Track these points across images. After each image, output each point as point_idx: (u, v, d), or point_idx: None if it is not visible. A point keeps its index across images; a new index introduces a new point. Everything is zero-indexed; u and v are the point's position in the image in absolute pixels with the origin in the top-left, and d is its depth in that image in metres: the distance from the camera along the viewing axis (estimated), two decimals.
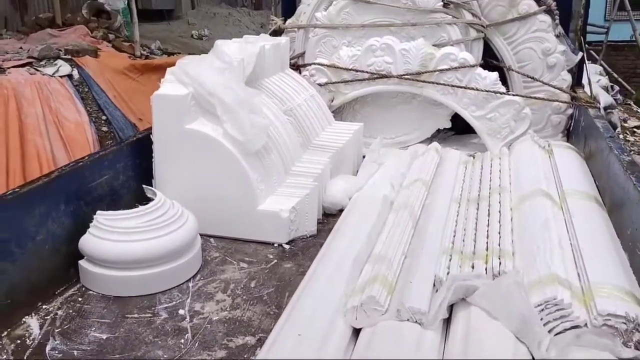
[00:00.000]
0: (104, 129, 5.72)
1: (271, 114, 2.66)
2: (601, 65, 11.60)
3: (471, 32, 3.26)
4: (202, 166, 2.40)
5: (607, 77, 10.67)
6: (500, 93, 3.09)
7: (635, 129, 9.50)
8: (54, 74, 5.71)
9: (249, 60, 2.71)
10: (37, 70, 5.68)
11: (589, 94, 3.35)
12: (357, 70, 3.29)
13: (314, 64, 3.40)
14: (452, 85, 3.13)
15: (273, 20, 3.77)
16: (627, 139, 8.98)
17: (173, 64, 2.53)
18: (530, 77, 3.26)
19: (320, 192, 2.59)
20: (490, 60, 3.39)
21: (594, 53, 12.17)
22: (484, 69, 3.25)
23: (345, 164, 2.97)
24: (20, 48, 6.56)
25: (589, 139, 2.82)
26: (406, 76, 3.21)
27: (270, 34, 3.72)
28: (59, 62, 5.92)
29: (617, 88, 10.73)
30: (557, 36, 3.26)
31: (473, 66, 3.12)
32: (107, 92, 5.99)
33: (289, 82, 3.10)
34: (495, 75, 3.13)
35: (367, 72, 3.28)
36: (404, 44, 3.23)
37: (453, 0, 3.23)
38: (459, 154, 3.06)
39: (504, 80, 3.34)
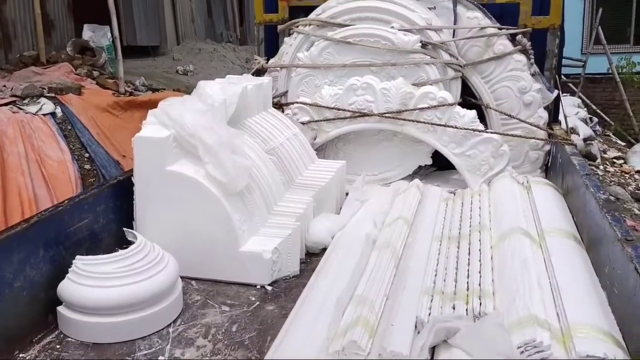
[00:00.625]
0: (87, 166, 5.69)
1: (253, 154, 2.68)
2: (580, 97, 11.87)
3: (449, 71, 3.34)
4: (183, 208, 2.39)
5: (585, 109, 10.90)
6: (479, 131, 3.15)
7: (614, 160, 9.66)
8: (37, 112, 5.70)
9: (231, 101, 2.74)
10: (20, 109, 5.66)
11: (566, 130, 3.43)
12: (338, 109, 3.34)
13: (297, 102, 3.44)
14: (432, 123, 3.19)
15: (256, 59, 3.82)
16: (607, 169, 9.11)
17: (157, 101, 2.56)
18: (508, 115, 3.33)
19: (303, 232, 2.59)
20: (469, 98, 3.47)
21: (572, 86, 12.48)
22: (463, 107, 3.32)
23: (329, 202, 2.99)
24: (4, 86, 6.55)
25: (566, 175, 2.88)
26: (387, 114, 3.26)
27: (253, 73, 3.78)
28: (42, 100, 5.91)
29: (595, 120, 10.95)
30: (533, 75, 3.35)
31: (452, 104, 3.18)
32: (90, 130, 5.98)
33: (271, 121, 3.13)
34: (473, 113, 3.19)
35: (348, 110, 3.33)
36: (384, 83, 3.29)
37: (431, 42, 3.31)
38: (440, 190, 3.09)
39: (482, 117, 3.41)
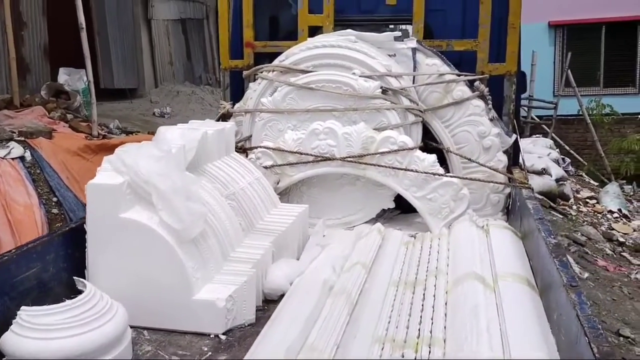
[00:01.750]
0: (55, 211, 5.62)
1: (212, 199, 2.67)
2: (553, 138, 12.12)
3: (409, 116, 3.40)
4: (137, 255, 2.36)
5: (558, 150, 11.11)
6: (439, 175, 3.18)
7: (587, 200, 9.78)
8: (5, 156, 5.65)
9: (191, 146, 2.75)
10: None
11: (525, 171, 3.49)
12: (301, 153, 3.36)
13: (260, 147, 3.46)
14: (393, 167, 3.22)
15: (222, 104, 3.86)
16: (580, 209, 9.22)
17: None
18: (468, 159, 3.38)
19: (259, 279, 2.57)
20: (430, 142, 3.52)
21: (545, 127, 12.77)
22: (424, 150, 3.37)
23: (289, 247, 2.97)
24: None
25: (523, 219, 2.91)
26: (349, 159, 3.29)
27: (219, 118, 3.81)
28: (12, 144, 5.87)
29: (568, 160, 11.16)
30: (491, 120, 3.42)
31: (412, 149, 3.22)
32: (59, 174, 5.93)
33: (233, 165, 3.14)
34: (433, 157, 3.23)
35: (311, 154, 3.35)
36: (346, 127, 3.33)
37: (391, 88, 3.37)
38: (401, 234, 3.10)
39: (443, 161, 3.46)
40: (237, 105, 3.78)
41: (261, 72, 3.63)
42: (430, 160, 3.23)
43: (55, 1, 8.77)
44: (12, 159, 5.73)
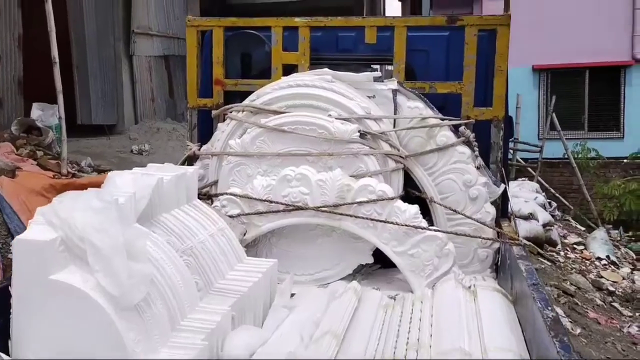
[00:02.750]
0: (11, 255, 5.22)
1: (163, 256, 2.34)
2: (539, 182, 11.97)
3: (389, 163, 3.13)
4: (69, 323, 2.02)
5: (544, 193, 10.93)
6: (421, 228, 2.89)
7: (575, 246, 9.56)
8: None
9: (143, 194, 2.44)
10: None
11: (514, 229, 3.20)
12: (271, 201, 3.06)
13: (226, 194, 3.15)
14: (371, 219, 2.92)
15: (188, 146, 3.57)
16: (568, 256, 8.98)
17: (98, 183, 2.26)
18: (453, 210, 3.10)
19: (215, 350, 2.22)
20: (412, 191, 3.24)
21: (531, 170, 12.64)
22: (406, 200, 3.08)
23: (254, 309, 2.64)
24: None
25: (515, 281, 2.61)
26: (323, 208, 2.99)
27: (184, 160, 3.52)
28: None
29: (554, 204, 10.98)
30: (478, 168, 3.16)
31: (392, 199, 2.94)
32: (20, 215, 5.55)
33: (193, 215, 2.82)
34: (415, 208, 2.95)
35: (282, 203, 3.05)
36: (321, 174, 3.05)
37: (370, 131, 3.11)
38: (379, 296, 2.78)
39: (427, 211, 3.18)
40: (204, 147, 3.49)
41: (230, 112, 3.36)
42: (412, 211, 2.94)
43: (32, 34, 8.54)
44: None
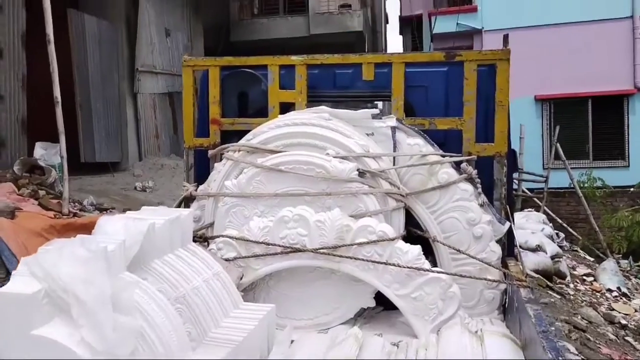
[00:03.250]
0: None
1: (153, 307, 2.24)
2: (545, 212, 11.83)
3: (390, 201, 3.03)
4: None
5: (551, 224, 10.78)
6: (424, 270, 2.78)
7: (584, 277, 9.36)
8: None
9: (134, 241, 2.36)
10: None
11: (522, 269, 3.08)
12: (268, 244, 2.97)
13: (222, 236, 3.06)
14: (371, 261, 2.82)
15: (184, 186, 3.50)
16: (578, 288, 8.78)
17: None
18: (457, 250, 2.99)
19: None
20: (415, 230, 3.14)
21: (537, 200, 12.50)
22: (408, 239, 2.98)
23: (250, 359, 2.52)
24: None
25: (524, 325, 2.48)
26: (322, 250, 2.89)
27: (181, 201, 3.45)
28: None
29: (562, 235, 10.81)
30: (481, 205, 3.06)
31: (393, 239, 2.83)
32: (19, 257, 5.44)
33: (188, 260, 2.72)
34: (417, 249, 2.84)
35: (279, 245, 2.95)
36: (319, 214, 2.96)
37: (369, 170, 3.03)
38: (381, 343, 2.65)
39: (430, 250, 3.07)
40: (200, 187, 3.42)
41: (227, 152, 3.30)
42: (414, 252, 2.83)
43: (35, 74, 8.61)
44: None
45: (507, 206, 3.22)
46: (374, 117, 3.18)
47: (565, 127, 13.33)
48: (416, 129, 3.21)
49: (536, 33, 14.06)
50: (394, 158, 3.15)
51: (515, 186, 13.18)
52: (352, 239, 2.87)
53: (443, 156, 3.13)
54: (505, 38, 3.16)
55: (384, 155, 3.12)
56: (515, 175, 12.89)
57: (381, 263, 2.81)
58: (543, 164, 13.97)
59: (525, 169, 13.12)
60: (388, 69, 3.28)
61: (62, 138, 7.25)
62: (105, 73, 10.91)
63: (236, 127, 3.49)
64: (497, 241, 3.08)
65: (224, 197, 3.18)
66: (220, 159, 3.39)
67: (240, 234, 3.05)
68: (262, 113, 3.46)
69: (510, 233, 3.19)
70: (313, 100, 3.40)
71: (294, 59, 3.38)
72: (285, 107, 3.43)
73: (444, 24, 14.24)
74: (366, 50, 17.80)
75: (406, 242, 2.98)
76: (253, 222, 3.04)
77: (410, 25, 22.18)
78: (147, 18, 11.56)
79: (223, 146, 3.36)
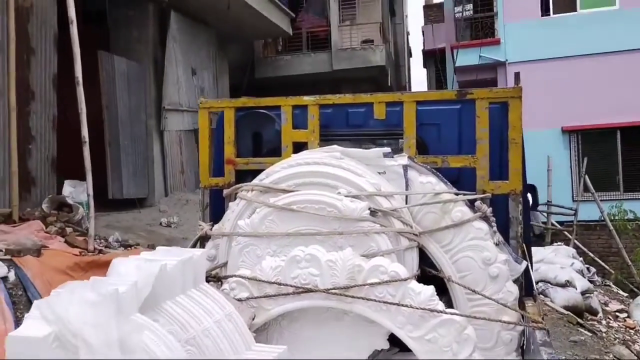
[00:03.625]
0: None
1: (163, 349, 2.24)
2: (576, 246, 11.56)
3: (402, 241, 3.01)
4: None
5: (582, 258, 10.51)
6: (438, 311, 2.73)
7: (617, 313, 9.05)
8: None
9: (145, 282, 2.38)
10: None
11: (539, 310, 3.00)
12: (280, 284, 2.96)
13: (235, 276, 3.07)
14: (383, 302, 2.78)
15: (200, 226, 3.53)
16: (610, 324, 8.50)
17: None
18: (472, 290, 2.93)
19: None
20: (429, 269, 3.10)
21: (567, 234, 12.23)
22: (422, 279, 2.95)
23: None
24: None
25: None
26: (333, 290, 2.87)
27: (196, 241, 3.48)
28: None
29: (593, 269, 10.52)
30: (497, 244, 3.01)
31: (405, 279, 2.80)
32: (43, 295, 5.54)
33: (199, 301, 2.74)
34: (430, 290, 2.80)
35: (291, 285, 2.94)
36: (331, 254, 2.95)
37: (380, 209, 3.02)
38: None
39: (446, 290, 3.02)
40: (215, 227, 3.45)
41: (240, 192, 3.33)
42: (427, 293, 2.79)
43: (65, 115, 8.89)
44: None
45: (524, 244, 3.16)
46: (386, 155, 3.19)
47: (594, 159, 13.13)
48: (429, 167, 3.20)
49: (561, 64, 13.99)
50: (406, 197, 3.14)
51: (544, 219, 12.96)
52: (363, 279, 2.85)
53: (457, 194, 3.10)
54: (517, 76, 3.16)
55: (395, 194, 3.11)
56: (543, 208, 12.70)
57: (393, 304, 2.77)
58: (573, 197, 13.70)
59: (554, 202, 12.90)
60: (400, 108, 3.30)
61: (89, 176, 7.46)
62: (134, 111, 11.22)
63: (250, 167, 3.53)
64: (514, 281, 3.01)
65: (237, 236, 3.20)
66: (235, 199, 3.43)
67: (253, 274, 3.05)
68: (276, 152, 3.50)
69: (527, 273, 3.12)
70: (327, 139, 3.43)
71: (306, 99, 3.43)
72: (299, 147, 3.47)
73: (467, 57, 14.29)
74: (389, 84, 17.94)
75: (421, 281, 2.95)
76: (265, 262, 3.04)
77: (434, 59, 22.36)
78: (173, 58, 11.89)
79: (237, 186, 3.40)
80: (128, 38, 11.54)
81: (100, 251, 7.23)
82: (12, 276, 5.59)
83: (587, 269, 10.21)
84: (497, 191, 3.15)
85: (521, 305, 3.02)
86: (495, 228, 3.03)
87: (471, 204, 3.09)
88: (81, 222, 8.35)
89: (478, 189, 3.15)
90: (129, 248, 7.97)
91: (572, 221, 12.14)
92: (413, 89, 27.63)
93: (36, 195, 8.66)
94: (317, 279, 2.92)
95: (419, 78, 34.56)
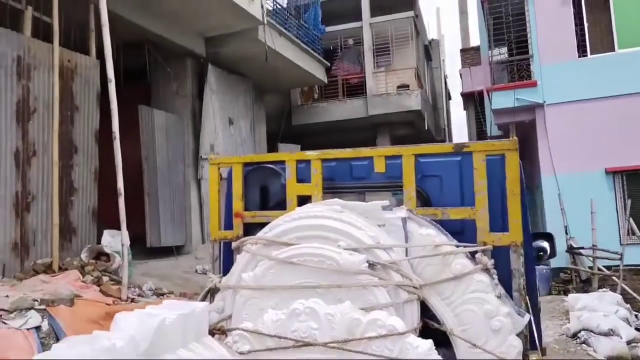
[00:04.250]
0: None
1: None
2: (622, 291, 11.06)
3: (402, 294, 3.00)
4: None
5: (629, 305, 10.01)
6: None
7: None
8: (20, 326, 5.55)
9: (144, 336, 2.47)
10: (4, 323, 5.54)
11: None
12: (280, 337, 2.99)
13: (237, 329, 3.12)
14: (381, 356, 2.77)
15: (210, 278, 3.62)
16: None
17: None
18: (473, 344, 2.88)
19: None
20: (431, 322, 3.07)
21: (615, 278, 11.72)
22: (425, 332, 2.92)
23: None
24: (6, 296, 6.54)
25: None
26: (332, 344, 2.88)
27: (206, 293, 3.56)
28: (31, 313, 5.81)
29: None
30: (499, 297, 2.96)
31: (402, 333, 2.78)
32: None
33: (201, 354, 2.80)
34: (428, 344, 2.77)
35: (290, 339, 2.97)
36: (330, 307, 2.97)
37: (379, 261, 3.03)
38: None
39: (449, 342, 2.98)
40: (224, 279, 3.53)
41: (245, 245, 3.42)
42: (424, 347, 2.76)
43: (106, 167, 9.29)
44: (28, 329, 5.61)
45: (527, 297, 3.09)
46: (384, 208, 3.22)
47: (638, 200, 12.63)
48: (429, 219, 3.20)
49: (602, 104, 13.70)
50: (406, 249, 3.14)
51: (590, 264, 12.48)
52: (361, 332, 2.85)
53: (457, 246, 3.09)
54: (513, 127, 3.16)
55: (395, 247, 3.12)
56: (589, 252, 12.24)
57: (391, 359, 2.75)
58: (620, 239, 13.15)
59: (600, 245, 12.41)
60: (401, 160, 3.34)
61: (124, 226, 7.72)
62: (172, 161, 11.62)
63: (257, 220, 3.62)
64: (518, 334, 2.94)
65: (241, 289, 3.26)
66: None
67: (255, 327, 3.09)
68: (282, 206, 3.59)
69: (532, 325, 3.04)
70: (329, 192, 3.50)
71: (309, 154, 3.52)
72: (304, 200, 3.54)
73: (504, 99, 14.17)
74: (426, 127, 17.95)
75: (424, 333, 2.92)
76: (267, 315, 3.08)
77: (473, 101, 22.33)
78: (211, 109, 12.32)
79: (242, 239, 3.48)
80: (167, 92, 12.10)
81: (132, 300, 7.42)
82: (45, 326, 5.79)
83: (635, 316, 9.72)
84: (498, 243, 3.11)
85: (526, 359, 2.93)
86: (497, 280, 2.98)
87: (472, 256, 3.07)
88: (118, 270, 8.61)
89: (479, 241, 3.13)
90: (162, 296, 8.13)
91: (618, 266, 11.64)
92: (453, 131, 27.53)
93: (77, 244, 9.00)
94: (316, 332, 2.94)
95: (460, 120, 34.46)
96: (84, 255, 8.44)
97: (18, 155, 7.70)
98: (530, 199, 17.51)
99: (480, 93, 18.76)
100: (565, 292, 11.68)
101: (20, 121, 7.74)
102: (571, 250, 12.49)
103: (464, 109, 24.23)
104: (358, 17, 18.04)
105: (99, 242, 9.05)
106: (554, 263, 12.32)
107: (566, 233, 12.61)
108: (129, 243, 8.00)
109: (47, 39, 8.12)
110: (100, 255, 8.67)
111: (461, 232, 3.24)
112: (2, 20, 7.81)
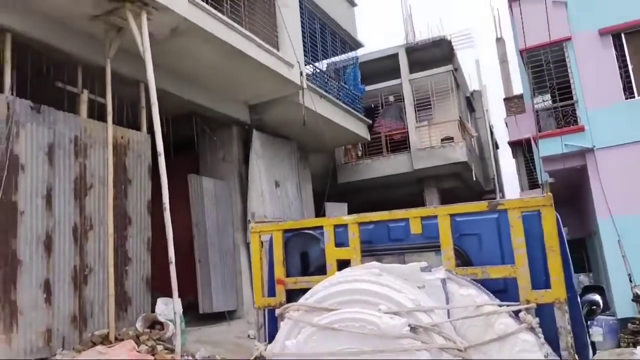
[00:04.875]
0: None
1: None
2: None
3: (445, 357, 2.94)
4: None
5: None
6: None
7: None
8: None
9: None
10: None
11: None
12: None
13: None
14: None
15: (256, 346, 3.65)
16: None
17: None
18: None
19: None
20: None
21: None
22: None
23: None
24: None
25: None
26: None
27: None
28: None
29: None
30: (546, 356, 2.86)
31: None
32: None
33: None
34: None
35: None
36: None
37: (421, 324, 3.00)
38: None
39: None
40: (269, 347, 3.55)
41: (288, 312, 3.45)
42: None
43: (159, 236, 9.60)
44: None
45: (575, 357, 2.97)
46: (423, 269, 3.21)
47: None
48: (469, 278, 3.16)
49: None
50: (447, 311, 3.10)
51: None
52: None
53: (500, 305, 3.03)
54: (546, 184, 3.14)
55: (435, 309, 3.08)
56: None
57: None
58: None
59: None
60: (437, 220, 3.35)
61: (175, 294, 7.89)
62: (221, 226, 11.88)
63: (299, 286, 3.66)
64: None
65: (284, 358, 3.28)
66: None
67: None
68: (322, 271, 3.63)
69: None
70: (368, 254, 3.52)
71: (346, 219, 3.57)
72: (344, 264, 3.57)
73: (552, 146, 13.91)
74: (474, 178, 17.74)
75: None
76: None
77: (521, 149, 21.98)
78: (257, 173, 12.63)
79: (285, 306, 3.52)
80: (215, 159, 12.53)
81: None
82: None
83: None
84: (541, 300, 3.03)
85: None
86: (542, 339, 2.89)
87: (516, 314, 3.00)
88: (172, 339, 8.72)
89: (521, 299, 3.05)
90: None
91: None
92: (504, 180, 27.04)
93: (132, 314, 9.20)
94: None
95: (509, 169, 33.85)
96: (138, 325, 8.62)
97: (76, 230, 8.07)
98: (590, 246, 16.79)
99: (528, 141, 18.49)
100: (635, 344, 10.98)
101: (78, 197, 8.16)
102: (637, 299, 11.83)
103: (513, 157, 23.87)
104: (397, 74, 18.37)
105: (153, 310, 9.24)
106: (621, 314, 11.69)
107: (630, 281, 11.99)
108: (181, 311, 8.15)
109: (101, 118, 8.65)
110: (154, 323, 8.83)
111: (504, 290, 3.18)
112: (60, 103, 8.41)
